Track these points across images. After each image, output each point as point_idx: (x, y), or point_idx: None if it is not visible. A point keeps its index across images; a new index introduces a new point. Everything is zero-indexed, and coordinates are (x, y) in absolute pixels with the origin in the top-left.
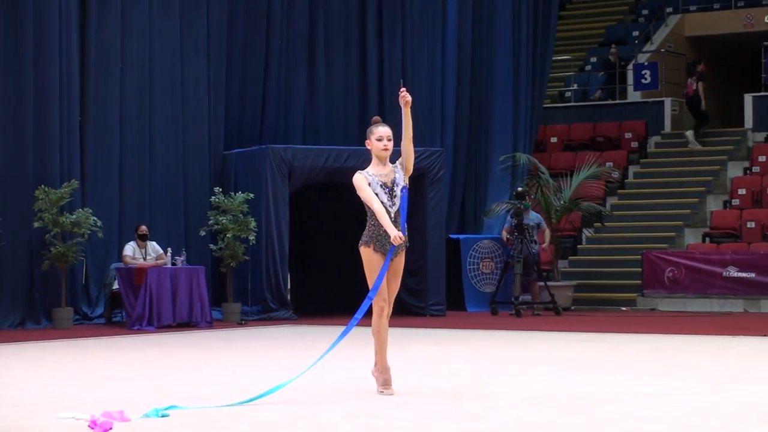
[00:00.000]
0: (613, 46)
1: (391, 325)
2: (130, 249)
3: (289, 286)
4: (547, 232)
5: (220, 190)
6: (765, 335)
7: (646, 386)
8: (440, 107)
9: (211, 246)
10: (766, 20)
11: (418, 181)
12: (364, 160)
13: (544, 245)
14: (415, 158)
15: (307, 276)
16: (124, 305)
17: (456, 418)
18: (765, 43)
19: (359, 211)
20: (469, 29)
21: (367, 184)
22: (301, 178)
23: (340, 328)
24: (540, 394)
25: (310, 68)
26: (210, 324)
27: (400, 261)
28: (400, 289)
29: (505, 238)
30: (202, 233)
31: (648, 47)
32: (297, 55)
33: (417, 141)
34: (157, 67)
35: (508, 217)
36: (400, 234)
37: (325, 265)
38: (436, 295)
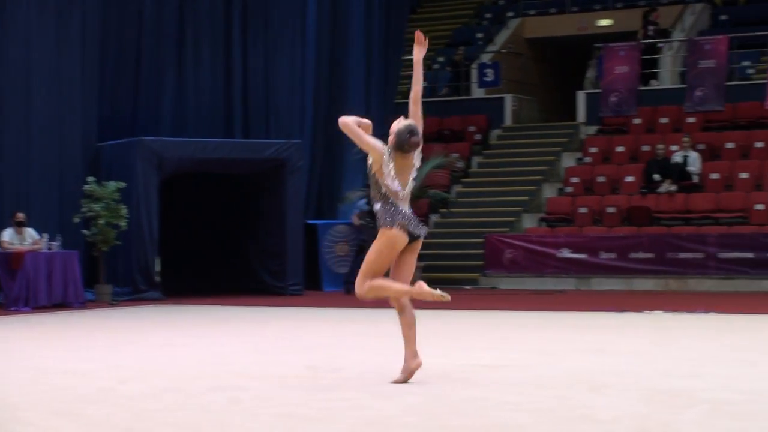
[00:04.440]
0: (460, 48)
1: (252, 303)
2: (7, 235)
3: (158, 269)
4: None
5: (94, 179)
6: (592, 311)
7: (485, 358)
8: (299, 102)
9: (85, 232)
10: (597, 24)
11: (278, 171)
12: (229, 151)
13: None
14: (276, 149)
15: (176, 259)
16: (2, 287)
17: (310, 389)
18: (596, 44)
19: (225, 199)
20: (327, 29)
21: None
22: (171, 168)
23: (206, 308)
24: (390, 367)
25: (179, 65)
26: (83, 304)
27: (416, 248)
28: (261, 269)
29: (357, 223)
30: (77, 220)
31: (491, 48)
32: (167, 53)
33: (278, 134)
34: (35, 63)
35: (358, 203)
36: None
37: (193, 249)
38: (294, 276)
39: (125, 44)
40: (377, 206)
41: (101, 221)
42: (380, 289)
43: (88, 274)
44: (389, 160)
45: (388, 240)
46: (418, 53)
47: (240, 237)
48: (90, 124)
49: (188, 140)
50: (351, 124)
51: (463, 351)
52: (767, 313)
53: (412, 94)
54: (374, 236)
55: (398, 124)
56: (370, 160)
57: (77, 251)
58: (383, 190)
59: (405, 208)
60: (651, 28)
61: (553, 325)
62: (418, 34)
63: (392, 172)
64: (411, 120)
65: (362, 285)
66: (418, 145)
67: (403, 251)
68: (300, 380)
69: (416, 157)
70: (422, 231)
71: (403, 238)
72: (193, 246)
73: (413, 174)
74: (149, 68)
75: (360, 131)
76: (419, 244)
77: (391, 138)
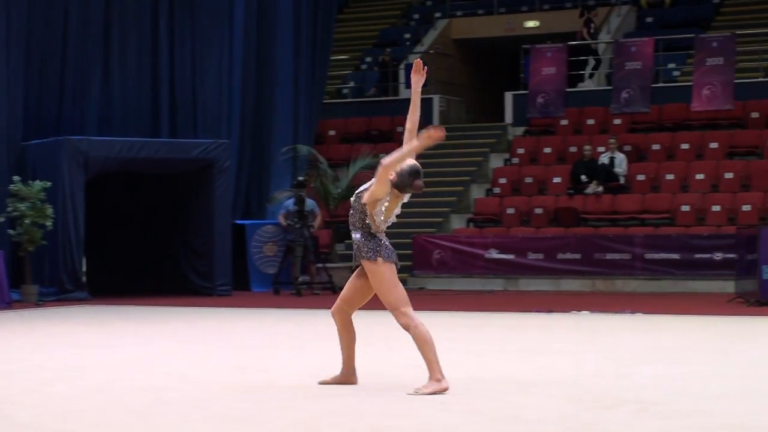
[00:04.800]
0: (388, 49)
1: (180, 304)
2: None
3: (84, 269)
4: (319, 217)
5: (19, 178)
6: (520, 311)
7: (413, 358)
8: (227, 102)
9: (10, 231)
10: (524, 26)
11: (206, 170)
12: (156, 150)
13: (314, 229)
14: (203, 149)
15: (103, 259)
16: None
17: (238, 389)
18: (523, 46)
19: (153, 199)
20: (255, 30)
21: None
22: (97, 168)
23: (134, 309)
24: (318, 367)
25: (106, 65)
26: (9, 305)
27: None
28: (188, 270)
29: (284, 224)
30: (1, 220)
31: (419, 48)
32: (93, 52)
33: (205, 133)
34: None
35: (285, 203)
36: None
37: (120, 249)
38: (222, 277)
39: (51, 43)
40: (356, 235)
41: (27, 221)
42: (422, 340)
43: (13, 274)
44: (386, 199)
45: (387, 272)
46: (417, 82)
47: (168, 237)
48: (15, 124)
49: (114, 140)
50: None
51: (391, 352)
52: (693, 314)
53: (408, 124)
54: (301, 236)
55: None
56: (365, 188)
57: (2, 251)
58: (367, 221)
59: (384, 238)
60: (592, 26)
61: (481, 326)
62: (418, 63)
63: (383, 209)
64: (415, 162)
65: (407, 317)
66: (420, 190)
67: (365, 275)
68: (229, 381)
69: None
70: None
71: (391, 267)
72: (120, 246)
73: (399, 210)
74: (75, 67)
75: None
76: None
77: (393, 177)
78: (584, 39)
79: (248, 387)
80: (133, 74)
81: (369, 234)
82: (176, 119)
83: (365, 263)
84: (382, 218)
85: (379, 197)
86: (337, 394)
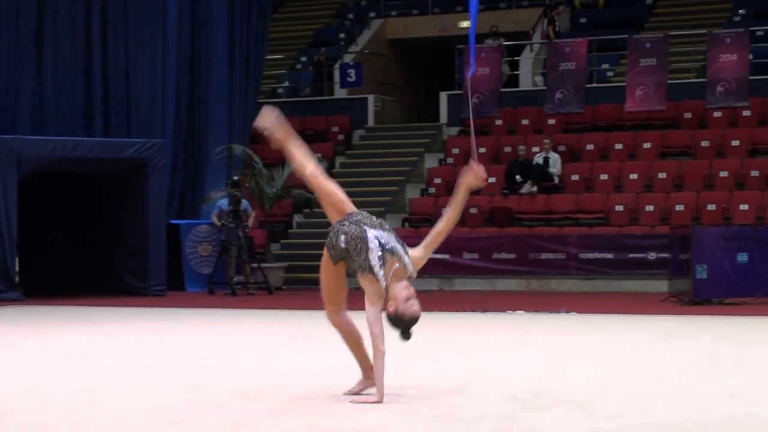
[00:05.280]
0: (322, 48)
1: (114, 304)
2: None
3: (17, 269)
4: (252, 217)
5: None
6: (455, 311)
7: (350, 358)
8: (161, 101)
9: None
10: (459, 26)
11: (140, 170)
12: (90, 150)
13: (248, 229)
14: (137, 149)
15: (36, 259)
16: None
17: (173, 390)
18: (458, 46)
19: (87, 199)
20: (188, 29)
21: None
22: (30, 167)
23: (67, 309)
24: (253, 367)
25: (38, 63)
26: None
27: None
28: (122, 270)
29: (218, 224)
30: None
31: (353, 48)
32: (25, 51)
33: (139, 133)
34: None
35: (217, 203)
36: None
37: (54, 250)
38: (157, 277)
39: None
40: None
41: None
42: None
43: None
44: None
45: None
46: (468, 181)
47: (102, 237)
48: None
49: (48, 139)
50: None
51: (327, 352)
52: (627, 313)
53: (443, 224)
54: (236, 236)
55: (404, 291)
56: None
57: None
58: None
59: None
60: (556, 24)
61: (416, 326)
62: (477, 170)
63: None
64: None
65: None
66: (408, 339)
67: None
68: (163, 381)
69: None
70: None
71: None
72: (54, 246)
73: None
74: (7, 66)
75: (376, 327)
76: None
77: (391, 311)
78: (549, 38)
79: (183, 388)
80: (67, 73)
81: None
82: (110, 118)
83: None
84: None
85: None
86: (272, 394)
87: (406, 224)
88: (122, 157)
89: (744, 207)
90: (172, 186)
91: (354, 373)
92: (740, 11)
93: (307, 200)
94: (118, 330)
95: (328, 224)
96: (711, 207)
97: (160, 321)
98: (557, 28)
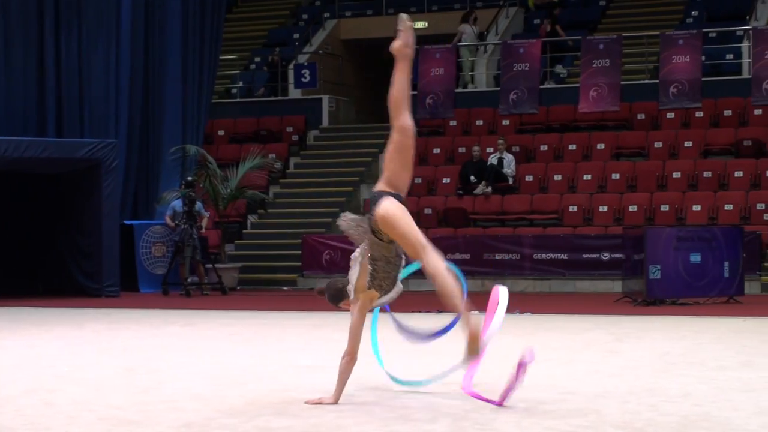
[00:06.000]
0: (277, 49)
1: (67, 305)
2: None
3: None
4: (206, 218)
5: None
6: (409, 311)
7: (304, 359)
8: (114, 101)
9: None
10: (413, 26)
11: (93, 170)
12: (42, 150)
13: (202, 229)
14: (91, 149)
15: None
16: None
17: (128, 391)
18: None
19: (40, 199)
20: (142, 28)
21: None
22: None
23: (20, 310)
24: (208, 368)
25: None
26: None
27: None
28: (75, 270)
29: (171, 225)
30: None
31: (308, 49)
32: None
33: (93, 133)
34: None
35: (171, 204)
36: None
37: (6, 249)
38: (110, 277)
39: None
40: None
41: None
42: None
43: None
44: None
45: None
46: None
47: (55, 237)
48: None
49: (0, 139)
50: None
51: (281, 353)
52: (581, 314)
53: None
54: (190, 237)
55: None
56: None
57: None
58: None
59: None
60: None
61: (370, 326)
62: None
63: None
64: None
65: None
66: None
67: None
68: (118, 382)
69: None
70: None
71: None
72: (6, 246)
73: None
74: None
75: (353, 334)
76: None
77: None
78: (548, 34)
79: (138, 389)
80: (19, 73)
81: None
82: (63, 118)
83: None
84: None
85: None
86: (227, 395)
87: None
88: (75, 158)
89: (697, 208)
90: (125, 186)
91: (309, 375)
92: (693, 13)
93: (261, 201)
94: (72, 331)
95: (284, 225)
96: (664, 208)
97: (114, 322)
98: (557, 25)
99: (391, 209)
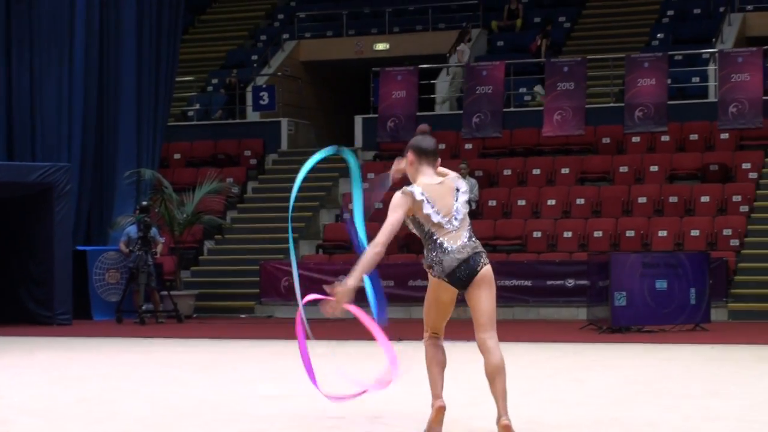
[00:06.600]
0: (234, 71)
1: (18, 333)
2: None
3: None
4: (161, 244)
5: None
6: (371, 339)
7: (261, 388)
8: (67, 124)
9: None
10: (374, 48)
11: (45, 195)
12: None
13: (157, 255)
14: (42, 173)
15: None
16: None
17: (83, 421)
18: (373, 68)
19: None
20: (96, 49)
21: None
22: None
23: None
24: (165, 397)
25: None
26: None
27: (483, 281)
28: (26, 298)
29: (125, 251)
30: None
31: (266, 70)
32: None
33: (45, 156)
34: None
35: (126, 230)
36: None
37: None
38: (63, 305)
39: None
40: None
41: None
42: (426, 360)
43: None
44: (419, 193)
45: (430, 286)
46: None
47: (6, 264)
48: None
49: None
50: (380, 246)
51: (238, 382)
52: (545, 341)
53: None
54: (144, 263)
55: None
56: (411, 226)
57: None
58: (426, 228)
59: (450, 244)
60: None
61: (329, 354)
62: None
63: (426, 201)
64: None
65: (424, 335)
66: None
67: (468, 290)
68: (71, 412)
69: (457, 180)
70: (468, 269)
71: (443, 285)
72: None
73: (460, 198)
74: None
75: (386, 229)
76: (483, 276)
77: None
78: (539, 49)
79: (92, 419)
80: None
81: (429, 241)
82: (14, 141)
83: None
84: (435, 210)
85: (405, 207)
86: (182, 425)
87: (320, 251)
88: (27, 182)
89: (663, 233)
90: (78, 211)
91: (267, 404)
92: (659, 35)
93: (218, 226)
94: (23, 360)
95: (242, 251)
96: (629, 233)
97: (67, 351)
98: (548, 43)
99: None
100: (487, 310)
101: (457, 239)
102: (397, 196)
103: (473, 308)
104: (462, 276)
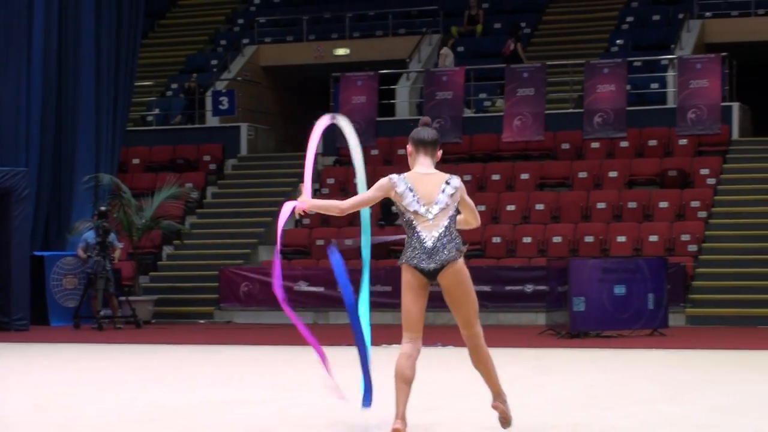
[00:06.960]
0: (194, 75)
1: None
2: None
3: None
4: (118, 249)
5: None
6: (330, 345)
7: (220, 394)
8: (25, 128)
9: None
10: (334, 53)
11: (3, 199)
12: None
13: (115, 260)
14: (0, 178)
15: None
16: None
17: (39, 428)
18: (333, 74)
19: None
20: (54, 53)
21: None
22: None
23: None
24: (122, 404)
25: None
26: None
27: (452, 279)
28: None
29: (83, 256)
30: None
31: (226, 75)
32: None
33: (1, 161)
34: None
35: (84, 236)
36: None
37: None
38: (20, 310)
39: None
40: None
41: None
42: (395, 373)
43: None
44: (402, 183)
45: (403, 281)
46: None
47: None
48: None
49: None
50: (344, 205)
51: (196, 388)
52: (504, 346)
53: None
54: (102, 268)
55: None
56: (394, 208)
57: None
58: (407, 216)
59: (425, 233)
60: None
61: (290, 360)
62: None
63: (408, 189)
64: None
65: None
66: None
67: (443, 288)
68: (29, 420)
69: (453, 178)
70: (440, 259)
71: (415, 277)
72: None
73: (446, 191)
74: None
75: (358, 199)
76: (455, 272)
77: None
78: (512, 53)
79: (49, 426)
80: None
81: (409, 230)
82: None
83: None
84: (416, 200)
85: (386, 189)
86: (145, 430)
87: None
88: None
89: (621, 239)
90: (36, 216)
91: (224, 410)
92: (618, 41)
93: (177, 231)
94: None
95: (201, 257)
96: (588, 239)
97: (24, 357)
98: (520, 47)
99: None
100: (462, 310)
101: (432, 229)
102: (384, 179)
103: (453, 308)
104: (429, 267)
